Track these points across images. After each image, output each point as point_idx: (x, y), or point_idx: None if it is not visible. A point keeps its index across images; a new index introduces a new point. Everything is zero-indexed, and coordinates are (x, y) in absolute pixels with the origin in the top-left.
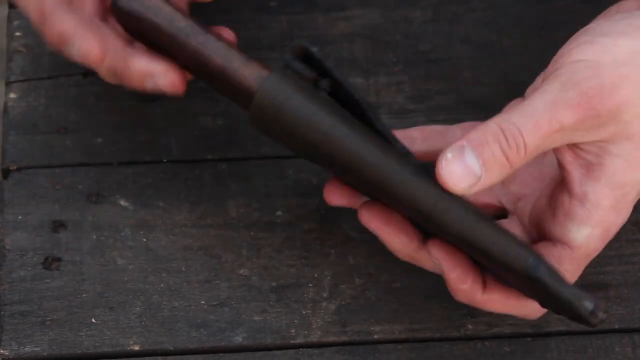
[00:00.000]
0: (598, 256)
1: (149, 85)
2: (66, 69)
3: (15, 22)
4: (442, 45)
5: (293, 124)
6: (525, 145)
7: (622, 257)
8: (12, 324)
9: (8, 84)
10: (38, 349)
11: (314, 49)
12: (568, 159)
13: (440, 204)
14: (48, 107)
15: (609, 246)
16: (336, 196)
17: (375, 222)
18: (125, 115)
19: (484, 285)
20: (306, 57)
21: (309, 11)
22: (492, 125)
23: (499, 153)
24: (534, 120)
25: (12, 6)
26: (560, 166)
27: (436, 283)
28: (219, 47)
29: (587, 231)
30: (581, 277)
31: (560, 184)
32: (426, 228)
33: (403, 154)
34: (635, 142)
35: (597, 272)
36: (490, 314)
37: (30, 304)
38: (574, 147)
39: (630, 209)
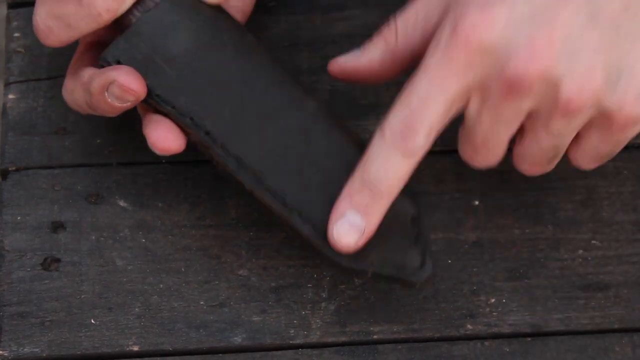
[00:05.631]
0: (598, 256)
1: (109, 93)
2: (65, 70)
3: (14, 23)
4: None
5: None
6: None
7: (622, 257)
8: (11, 325)
9: (7, 84)
10: (37, 349)
11: None
12: None
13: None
14: (47, 107)
15: (609, 246)
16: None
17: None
18: (124, 115)
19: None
20: None
21: (309, 11)
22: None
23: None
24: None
25: (11, 6)
26: None
27: (435, 283)
28: None
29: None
30: (581, 277)
31: None
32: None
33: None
34: None
35: (597, 272)
36: (489, 314)
37: (29, 304)
38: None
39: None
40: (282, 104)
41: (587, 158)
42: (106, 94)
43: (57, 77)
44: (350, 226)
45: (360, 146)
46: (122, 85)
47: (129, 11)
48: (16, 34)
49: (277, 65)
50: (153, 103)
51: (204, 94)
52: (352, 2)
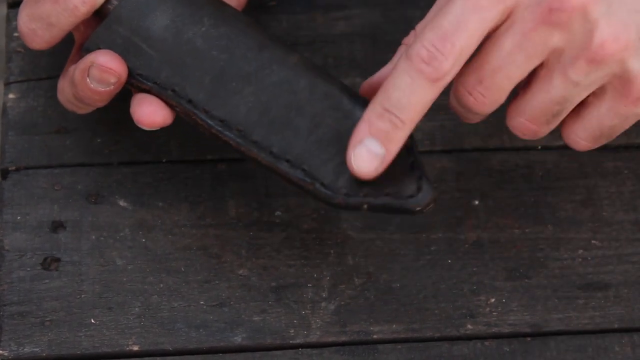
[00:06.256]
0: (598, 256)
1: (91, 78)
2: None
3: (15, 23)
4: None
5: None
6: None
7: (622, 256)
8: (11, 324)
9: (7, 84)
10: (37, 349)
11: None
12: None
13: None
14: (47, 107)
15: (609, 246)
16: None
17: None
18: (125, 115)
19: None
20: None
21: (309, 11)
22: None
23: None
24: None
25: (11, 6)
26: None
27: (435, 282)
28: None
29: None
30: (581, 277)
31: None
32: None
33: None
34: None
35: (597, 272)
36: (490, 314)
37: (29, 304)
38: None
39: None
40: (262, 63)
41: (587, 132)
42: (88, 80)
43: (57, 76)
44: (369, 153)
45: (344, 89)
46: (101, 65)
47: (108, 2)
48: (16, 34)
49: (257, 30)
50: (136, 83)
51: (184, 65)
52: (352, 1)
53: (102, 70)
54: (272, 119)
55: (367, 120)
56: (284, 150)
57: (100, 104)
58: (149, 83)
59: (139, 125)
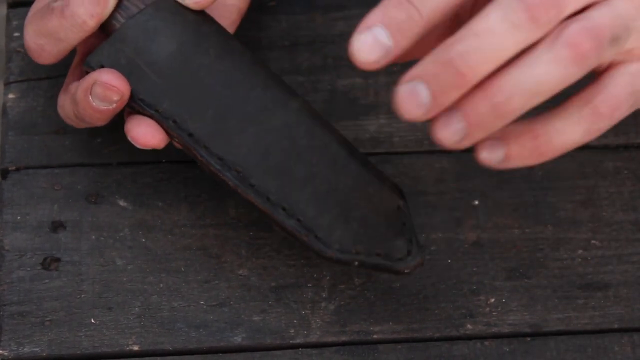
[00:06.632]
0: (598, 256)
1: (93, 96)
2: (65, 70)
3: (15, 23)
4: None
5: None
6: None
7: (621, 256)
8: (11, 324)
9: (7, 84)
10: (37, 349)
11: None
12: None
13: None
14: (47, 107)
15: (609, 246)
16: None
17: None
18: (123, 116)
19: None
20: None
21: (309, 11)
22: None
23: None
24: None
25: (11, 6)
26: None
27: (435, 283)
28: None
29: None
30: (580, 277)
31: None
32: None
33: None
34: None
35: (596, 272)
36: (489, 314)
37: (29, 304)
38: None
39: None
40: (265, 104)
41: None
42: (90, 98)
43: (57, 76)
44: (375, 42)
45: (342, 142)
46: (104, 83)
47: (114, 17)
48: (16, 34)
49: (261, 68)
50: (136, 107)
51: (187, 97)
52: (351, 2)
53: (105, 88)
54: (271, 164)
55: (384, 6)
56: (281, 197)
57: (100, 123)
58: (150, 110)
59: (132, 143)
